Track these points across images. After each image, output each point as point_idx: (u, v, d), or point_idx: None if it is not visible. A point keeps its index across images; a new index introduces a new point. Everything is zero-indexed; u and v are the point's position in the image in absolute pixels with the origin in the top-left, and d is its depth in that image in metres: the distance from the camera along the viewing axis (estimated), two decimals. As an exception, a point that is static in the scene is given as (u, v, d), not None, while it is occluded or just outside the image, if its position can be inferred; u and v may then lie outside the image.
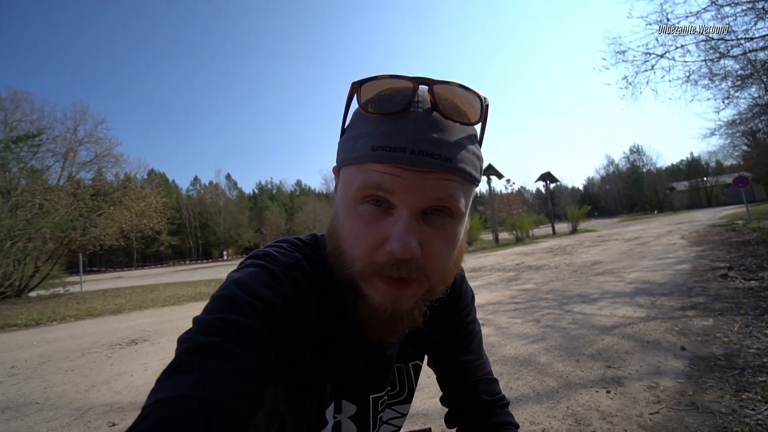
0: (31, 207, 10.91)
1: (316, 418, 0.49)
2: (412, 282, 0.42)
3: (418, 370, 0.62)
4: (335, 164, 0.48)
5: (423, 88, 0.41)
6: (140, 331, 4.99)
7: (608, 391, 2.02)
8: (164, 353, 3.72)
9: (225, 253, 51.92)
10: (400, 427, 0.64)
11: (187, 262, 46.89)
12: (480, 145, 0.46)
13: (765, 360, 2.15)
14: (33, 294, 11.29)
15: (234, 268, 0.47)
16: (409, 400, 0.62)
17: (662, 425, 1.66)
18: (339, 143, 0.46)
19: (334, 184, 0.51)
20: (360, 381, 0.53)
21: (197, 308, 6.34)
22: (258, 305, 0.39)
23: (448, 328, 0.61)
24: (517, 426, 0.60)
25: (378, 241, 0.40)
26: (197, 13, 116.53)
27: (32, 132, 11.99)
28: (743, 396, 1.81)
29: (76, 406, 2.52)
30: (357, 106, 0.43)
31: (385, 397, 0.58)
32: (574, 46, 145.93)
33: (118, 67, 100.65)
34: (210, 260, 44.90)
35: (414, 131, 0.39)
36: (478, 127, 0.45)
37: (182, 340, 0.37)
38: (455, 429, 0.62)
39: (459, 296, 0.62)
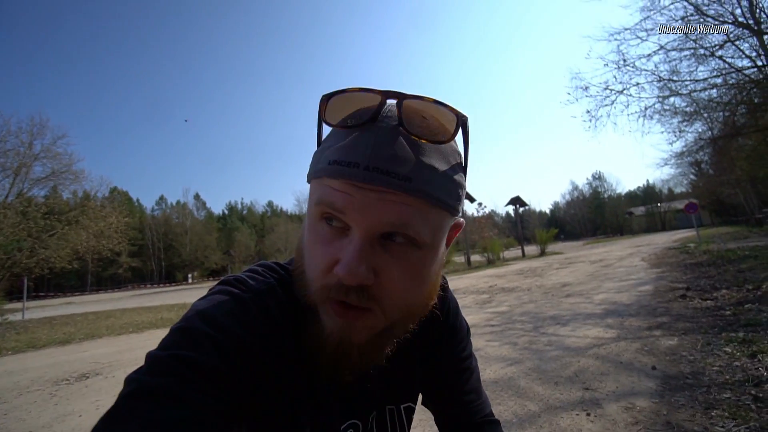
0: (-29, 226, 10.00)
1: None
2: (365, 312, 0.38)
3: (410, 413, 0.57)
4: None
5: (391, 102, 0.38)
6: (92, 363, 4.54)
7: (588, 414, 2.02)
8: (120, 387, 3.39)
9: (190, 276, 49.43)
10: None
11: (148, 285, 44.16)
12: (464, 170, 0.42)
13: (727, 377, 2.24)
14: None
15: (197, 292, 0.42)
16: None
17: (642, 448, 1.67)
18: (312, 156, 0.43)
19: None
20: (337, 419, 0.47)
21: (158, 335, 5.90)
22: (219, 339, 0.35)
23: (443, 365, 0.57)
24: None
25: (330, 263, 0.37)
26: (167, 24, 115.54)
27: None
28: (712, 413, 1.86)
29: (9, 453, 2.21)
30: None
31: None
32: (543, 76, 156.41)
33: (84, 79, 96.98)
34: (173, 284, 42.54)
35: (372, 146, 0.35)
36: (461, 150, 0.42)
37: (128, 381, 0.32)
38: None
39: (453, 330, 0.58)
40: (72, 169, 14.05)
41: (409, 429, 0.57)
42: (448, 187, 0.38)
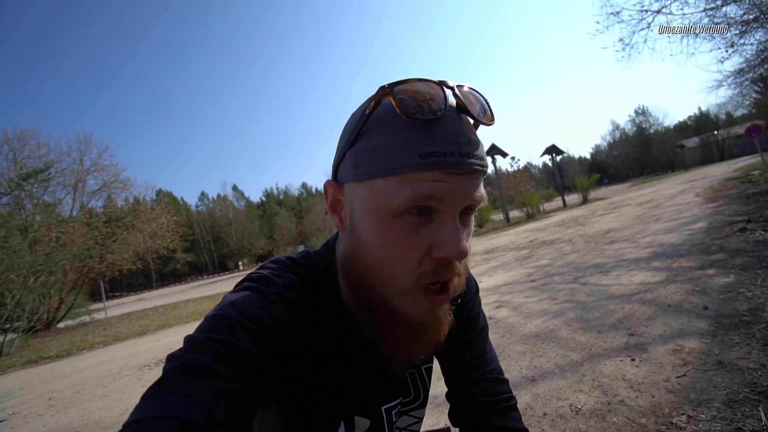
0: (49, 241, 11.18)
1: None
2: (449, 287, 0.43)
3: (430, 372, 0.61)
4: (334, 179, 0.46)
5: (448, 91, 0.41)
6: (166, 350, 5.10)
7: (633, 359, 2.01)
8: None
9: (240, 263, 52.57)
10: (418, 431, 0.63)
11: (205, 276, 47.66)
12: None
13: (792, 311, 2.11)
14: (61, 325, 11.64)
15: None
16: (424, 404, 0.61)
17: (690, 387, 1.65)
18: (354, 153, 0.42)
19: (330, 201, 0.46)
20: (370, 395, 0.52)
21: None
22: (252, 327, 0.39)
23: (454, 324, 0.60)
24: (522, 431, 0.57)
25: (424, 250, 0.40)
26: (181, 15, 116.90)
27: (40, 168, 12.24)
28: (772, 349, 1.77)
29: (113, 430, 2.60)
30: (381, 111, 0.41)
31: (399, 406, 0.57)
32: (568, 13, 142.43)
33: (114, 92, 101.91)
34: (227, 272, 45.52)
35: (455, 135, 0.39)
36: None
37: (172, 358, 0.36)
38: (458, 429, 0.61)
39: (463, 290, 0.61)
40: (120, 179, 15.09)
41: (430, 385, 0.61)
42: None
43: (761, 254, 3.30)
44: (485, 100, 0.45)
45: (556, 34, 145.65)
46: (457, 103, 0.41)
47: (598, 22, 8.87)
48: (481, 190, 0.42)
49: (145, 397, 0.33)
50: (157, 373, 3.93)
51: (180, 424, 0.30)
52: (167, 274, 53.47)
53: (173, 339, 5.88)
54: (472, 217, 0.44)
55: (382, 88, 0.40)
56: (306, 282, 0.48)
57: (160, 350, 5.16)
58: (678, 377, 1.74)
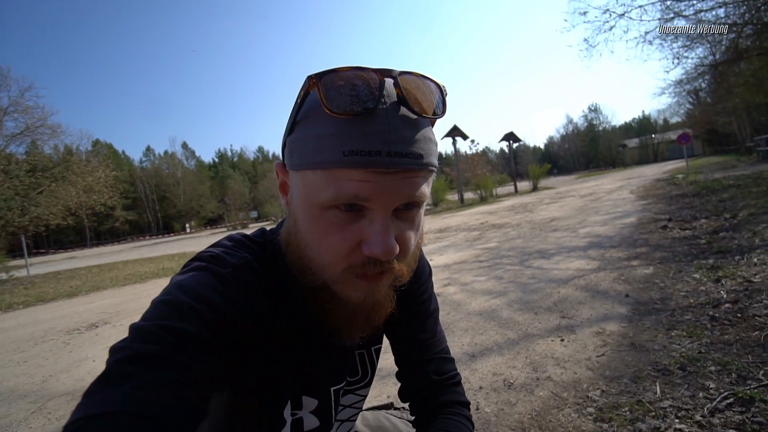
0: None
1: (272, 420, 0.48)
2: (386, 271, 0.42)
3: (379, 352, 0.63)
4: (282, 161, 0.45)
5: (388, 81, 0.37)
6: (100, 313, 4.77)
7: (562, 340, 2.21)
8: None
9: (188, 225, 49.85)
10: (361, 408, 0.65)
11: (147, 237, 44.67)
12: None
13: (691, 301, 2.42)
14: (-28, 282, 10.40)
15: (196, 241, 0.44)
16: (370, 383, 0.62)
17: (606, 365, 1.85)
18: (290, 141, 0.41)
19: (279, 182, 0.47)
20: (320, 376, 0.52)
21: (161, 284, 6.11)
22: (203, 310, 0.37)
23: (405, 306, 0.61)
24: (466, 404, 0.62)
25: (352, 245, 0.39)
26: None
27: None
28: (672, 334, 2.04)
29: (33, 398, 2.41)
30: (311, 101, 0.38)
31: (345, 384, 0.58)
32: (537, 7, 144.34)
33: (47, 21, 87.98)
34: (172, 234, 43.02)
35: (387, 132, 0.36)
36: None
37: (116, 349, 0.34)
38: (408, 404, 0.64)
39: (416, 274, 0.61)
40: (47, 123, 13.37)
41: (377, 364, 0.63)
42: (436, 152, 0.42)
43: (675, 250, 3.73)
44: (440, 90, 0.41)
45: (524, 24, 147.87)
46: (397, 94, 0.37)
47: (566, 20, 9.19)
48: (422, 188, 0.39)
49: (87, 394, 0.31)
50: (88, 338, 3.68)
51: (127, 419, 0.28)
52: (104, 233, 49.32)
53: (108, 302, 5.50)
54: (417, 212, 0.42)
55: (308, 77, 0.37)
56: (261, 261, 0.46)
57: (93, 313, 4.81)
58: (598, 357, 1.95)
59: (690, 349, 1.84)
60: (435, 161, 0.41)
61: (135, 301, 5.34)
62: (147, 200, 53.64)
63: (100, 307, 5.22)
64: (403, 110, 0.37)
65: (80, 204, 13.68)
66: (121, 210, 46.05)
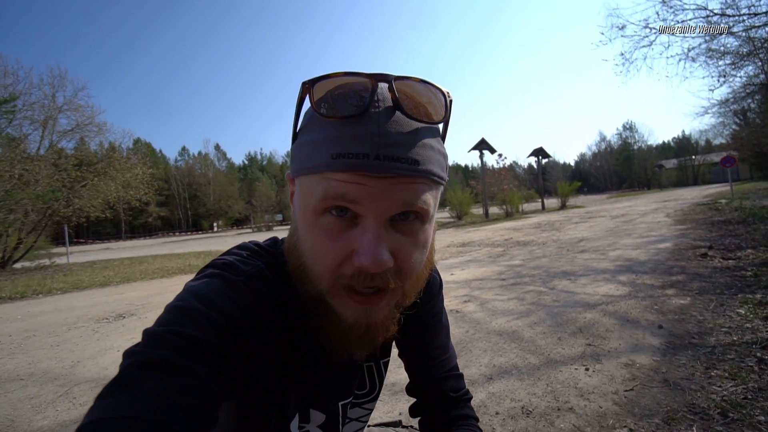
0: (10, 177, 10.52)
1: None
2: (384, 292, 0.39)
3: (387, 365, 0.62)
4: (289, 172, 0.45)
5: (383, 85, 0.37)
6: (128, 304, 4.97)
7: (587, 369, 2.09)
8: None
9: (215, 224, 51.56)
10: (367, 422, 0.64)
11: (177, 233, 46.48)
12: (443, 141, 0.43)
13: (735, 338, 2.23)
14: (18, 266, 11.14)
15: (222, 240, 0.45)
16: (377, 397, 0.62)
17: (635, 401, 1.73)
18: (292, 149, 0.42)
19: (289, 192, 0.47)
20: (328, 390, 0.52)
21: (186, 280, 6.35)
22: (215, 317, 0.37)
23: (415, 321, 0.60)
24: (476, 419, 0.62)
25: (344, 255, 0.38)
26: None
27: (5, 97, 11.36)
28: (712, 373, 1.88)
29: (61, 382, 2.52)
30: (308, 108, 0.39)
31: (353, 398, 0.57)
32: (571, 19, 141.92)
33: (100, 30, 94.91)
34: (200, 232, 44.56)
35: (376, 135, 0.35)
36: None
37: (129, 354, 0.34)
38: (418, 419, 0.64)
39: (426, 287, 0.60)
40: (95, 122, 14.20)
41: (385, 378, 0.62)
42: (441, 162, 0.40)
43: (717, 281, 3.48)
44: (444, 96, 0.39)
45: (557, 36, 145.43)
46: (392, 98, 0.36)
47: (602, 33, 8.93)
48: (422, 197, 0.37)
49: (100, 397, 0.31)
50: (115, 328, 3.83)
51: (137, 425, 0.29)
52: (138, 227, 51.86)
53: (136, 294, 5.73)
54: (421, 227, 0.40)
55: (303, 83, 0.37)
56: (275, 271, 0.46)
57: (121, 304, 5.02)
58: (626, 390, 1.83)
59: (733, 393, 1.69)
60: (438, 171, 0.39)
61: (160, 295, 5.54)
62: (179, 198, 56.04)
63: (128, 298, 5.45)
64: (398, 114, 0.37)
65: (118, 198, 14.43)
66: (155, 206, 48.41)
